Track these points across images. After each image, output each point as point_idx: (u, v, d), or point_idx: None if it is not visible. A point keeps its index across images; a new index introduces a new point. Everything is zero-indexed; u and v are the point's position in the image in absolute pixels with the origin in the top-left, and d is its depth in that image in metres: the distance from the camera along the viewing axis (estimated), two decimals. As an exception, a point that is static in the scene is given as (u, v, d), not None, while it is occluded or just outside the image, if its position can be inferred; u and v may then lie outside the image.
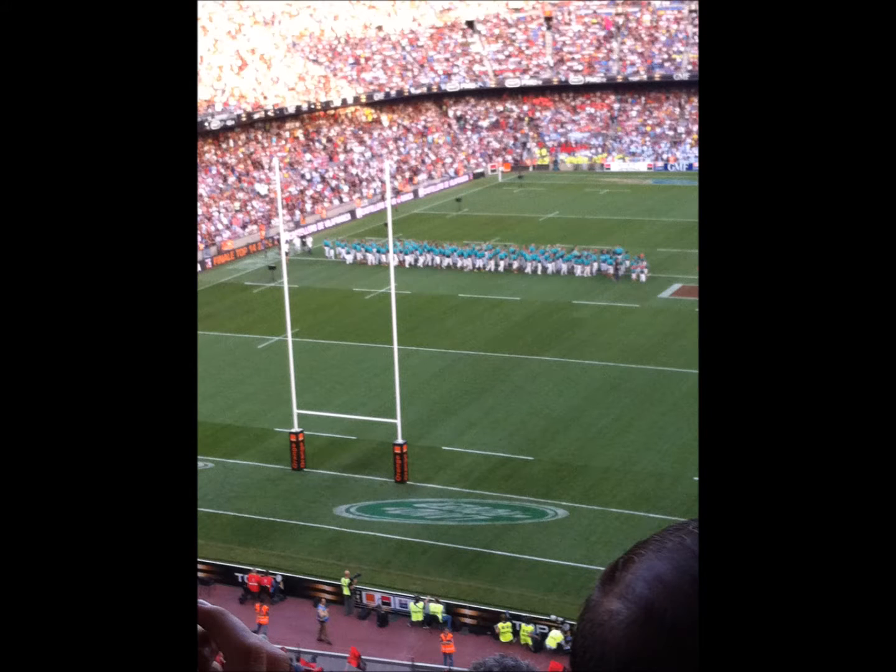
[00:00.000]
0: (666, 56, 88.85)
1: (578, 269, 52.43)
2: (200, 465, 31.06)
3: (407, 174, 79.19)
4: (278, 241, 49.16)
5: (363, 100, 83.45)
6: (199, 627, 1.22)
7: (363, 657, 23.38)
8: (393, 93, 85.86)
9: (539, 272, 52.88)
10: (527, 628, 23.97)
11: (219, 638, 1.22)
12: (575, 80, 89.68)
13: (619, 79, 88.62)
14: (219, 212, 65.24)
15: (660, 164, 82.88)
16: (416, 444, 31.70)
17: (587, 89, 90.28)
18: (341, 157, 78.46)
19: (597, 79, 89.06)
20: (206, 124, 68.20)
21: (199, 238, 59.17)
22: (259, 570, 26.27)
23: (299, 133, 78.81)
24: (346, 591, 25.50)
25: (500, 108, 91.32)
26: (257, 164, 72.85)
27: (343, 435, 33.31)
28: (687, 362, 37.79)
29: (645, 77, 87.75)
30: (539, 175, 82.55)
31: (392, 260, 35.30)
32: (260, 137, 75.73)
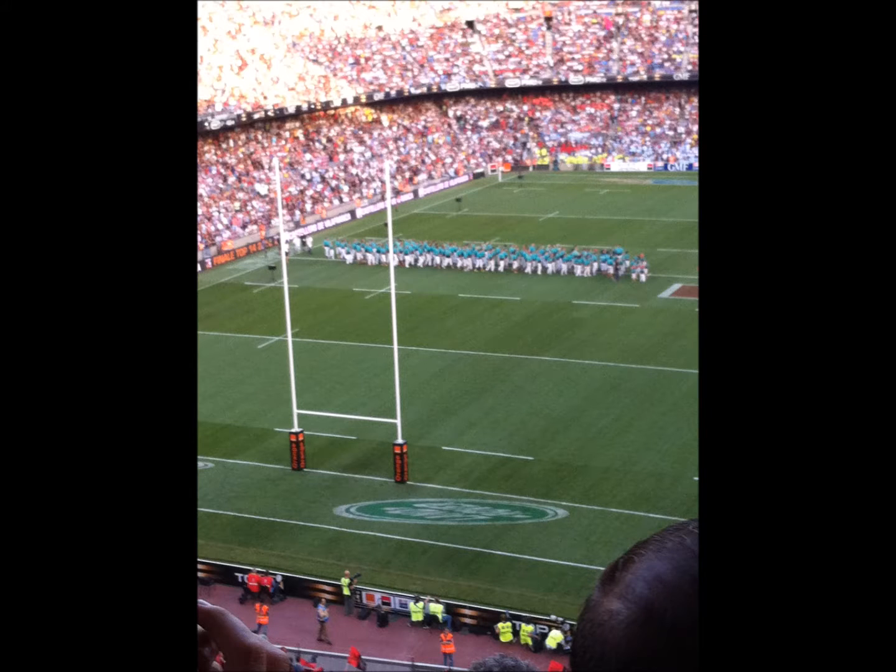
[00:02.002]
0: (666, 56, 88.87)
1: (578, 269, 52.43)
2: (200, 465, 31.06)
3: (407, 174, 79.19)
4: (278, 241, 49.16)
5: (363, 100, 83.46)
6: (199, 627, 1.22)
7: (363, 657, 23.37)
8: (393, 93, 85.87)
9: (539, 272, 52.88)
10: (527, 628, 23.97)
11: (219, 638, 1.22)
12: (575, 80, 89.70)
13: (619, 79, 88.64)
14: (219, 212, 65.25)
15: (660, 164, 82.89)
16: (416, 444, 31.70)
17: (587, 89, 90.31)
18: (341, 157, 78.47)
19: (597, 79, 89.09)
20: (206, 124, 68.21)
21: (199, 238, 59.17)
22: (259, 570, 26.28)
23: (299, 133, 78.82)
24: (346, 591, 25.50)
25: (500, 108, 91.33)
26: (257, 164, 72.86)
27: (343, 435, 33.31)
28: (687, 362, 37.79)
29: (645, 77, 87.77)
30: (539, 175, 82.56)
31: (392, 260, 35.30)
32: (260, 137, 75.75)
